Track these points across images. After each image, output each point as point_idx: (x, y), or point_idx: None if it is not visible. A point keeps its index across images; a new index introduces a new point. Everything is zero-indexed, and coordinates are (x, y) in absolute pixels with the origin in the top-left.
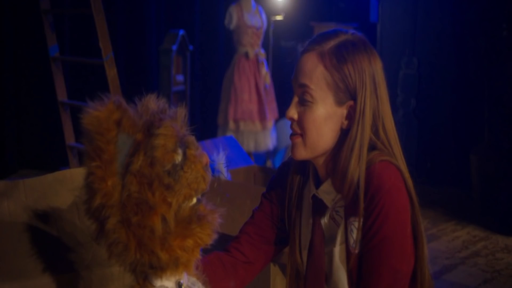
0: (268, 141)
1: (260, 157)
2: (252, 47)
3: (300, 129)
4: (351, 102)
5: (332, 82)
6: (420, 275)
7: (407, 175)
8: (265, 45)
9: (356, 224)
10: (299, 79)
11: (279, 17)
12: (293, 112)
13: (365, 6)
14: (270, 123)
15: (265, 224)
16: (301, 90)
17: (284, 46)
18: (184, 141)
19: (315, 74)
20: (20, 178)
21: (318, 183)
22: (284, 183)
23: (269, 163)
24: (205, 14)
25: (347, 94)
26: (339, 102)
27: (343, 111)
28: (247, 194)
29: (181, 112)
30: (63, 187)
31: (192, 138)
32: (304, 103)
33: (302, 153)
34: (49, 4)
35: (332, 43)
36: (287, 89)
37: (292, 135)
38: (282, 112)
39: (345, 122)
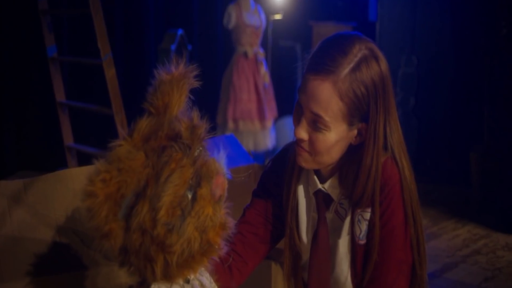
0: (267, 140)
1: (260, 157)
2: (251, 46)
3: (309, 149)
4: (362, 124)
5: (347, 112)
6: (420, 266)
7: (408, 172)
8: (264, 45)
9: (365, 215)
10: (312, 107)
11: (278, 16)
12: (303, 134)
13: (363, 5)
14: (269, 123)
15: (257, 221)
16: (314, 117)
17: (283, 46)
18: (199, 175)
19: (330, 106)
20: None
21: (319, 177)
22: (281, 172)
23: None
24: (203, 13)
25: (360, 118)
26: (351, 126)
27: (354, 132)
28: (247, 192)
29: (201, 128)
30: (63, 186)
31: (208, 167)
32: (316, 129)
33: (309, 165)
34: (47, 5)
35: (346, 68)
36: (286, 88)
37: (299, 147)
38: (281, 111)
39: (355, 139)
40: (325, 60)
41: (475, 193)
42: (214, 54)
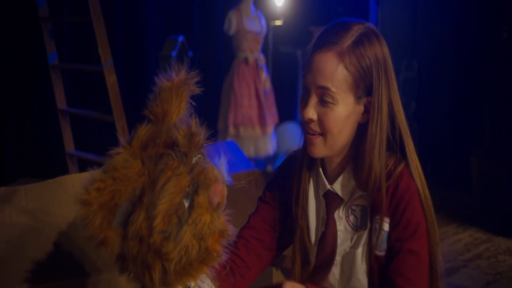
0: (268, 146)
1: (260, 163)
2: (252, 52)
3: (320, 129)
4: (368, 98)
5: (352, 82)
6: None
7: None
8: (264, 50)
9: (384, 225)
10: (318, 81)
11: (278, 22)
12: (312, 113)
13: (364, 10)
14: (270, 128)
15: (262, 227)
16: (321, 91)
17: (284, 51)
18: (196, 183)
19: (336, 76)
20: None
21: (327, 178)
22: (287, 179)
23: (269, 168)
24: (204, 20)
25: (365, 91)
26: (358, 99)
27: (361, 107)
28: (248, 198)
29: (199, 135)
30: (64, 192)
31: (206, 175)
32: (324, 105)
33: (321, 151)
34: (48, 12)
35: (349, 40)
36: (287, 94)
37: (310, 134)
38: (282, 117)
39: (362, 117)
40: (328, 35)
41: (476, 197)
42: (215, 60)
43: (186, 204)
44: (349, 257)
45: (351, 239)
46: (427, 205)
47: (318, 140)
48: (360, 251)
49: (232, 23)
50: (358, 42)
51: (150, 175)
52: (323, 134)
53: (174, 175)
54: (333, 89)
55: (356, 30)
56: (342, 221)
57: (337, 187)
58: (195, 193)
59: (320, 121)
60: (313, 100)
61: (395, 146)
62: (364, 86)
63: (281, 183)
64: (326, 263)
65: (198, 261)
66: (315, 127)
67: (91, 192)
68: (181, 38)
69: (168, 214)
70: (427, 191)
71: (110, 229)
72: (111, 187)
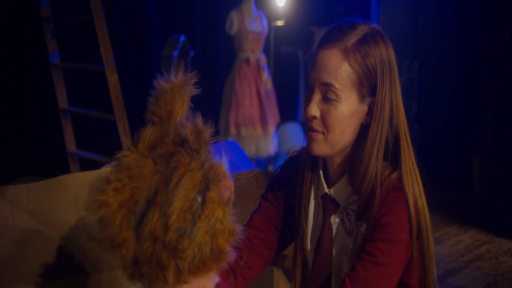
0: (269, 146)
1: (262, 163)
2: (253, 52)
3: (322, 127)
4: (372, 98)
5: (356, 80)
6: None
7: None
8: (266, 51)
9: (362, 229)
10: (322, 77)
11: (279, 22)
12: (315, 110)
13: (365, 11)
14: (271, 128)
15: (264, 226)
16: (324, 88)
17: (285, 52)
18: (207, 178)
19: (340, 72)
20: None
21: (327, 182)
22: (290, 178)
23: (270, 168)
24: (205, 19)
25: (369, 91)
26: (362, 99)
27: (364, 107)
28: (249, 197)
29: (206, 132)
30: (66, 191)
31: (216, 170)
32: (328, 102)
33: (322, 150)
34: (49, 11)
35: (354, 38)
36: (288, 94)
37: (312, 132)
38: (283, 117)
39: (366, 118)
40: (333, 32)
41: (478, 198)
42: (216, 60)
43: (199, 200)
44: (342, 263)
45: (345, 244)
46: (422, 217)
47: (319, 136)
48: (347, 260)
49: (234, 23)
50: (363, 40)
51: (163, 173)
52: (325, 132)
53: (187, 171)
54: (337, 86)
55: (362, 29)
56: (337, 225)
57: (334, 191)
58: (206, 189)
59: (323, 119)
60: (317, 97)
61: (391, 154)
62: (368, 85)
63: (284, 183)
64: (323, 268)
65: (211, 260)
66: (317, 125)
67: (108, 192)
68: (182, 38)
69: (183, 210)
70: (422, 202)
71: (129, 230)
72: (130, 185)
